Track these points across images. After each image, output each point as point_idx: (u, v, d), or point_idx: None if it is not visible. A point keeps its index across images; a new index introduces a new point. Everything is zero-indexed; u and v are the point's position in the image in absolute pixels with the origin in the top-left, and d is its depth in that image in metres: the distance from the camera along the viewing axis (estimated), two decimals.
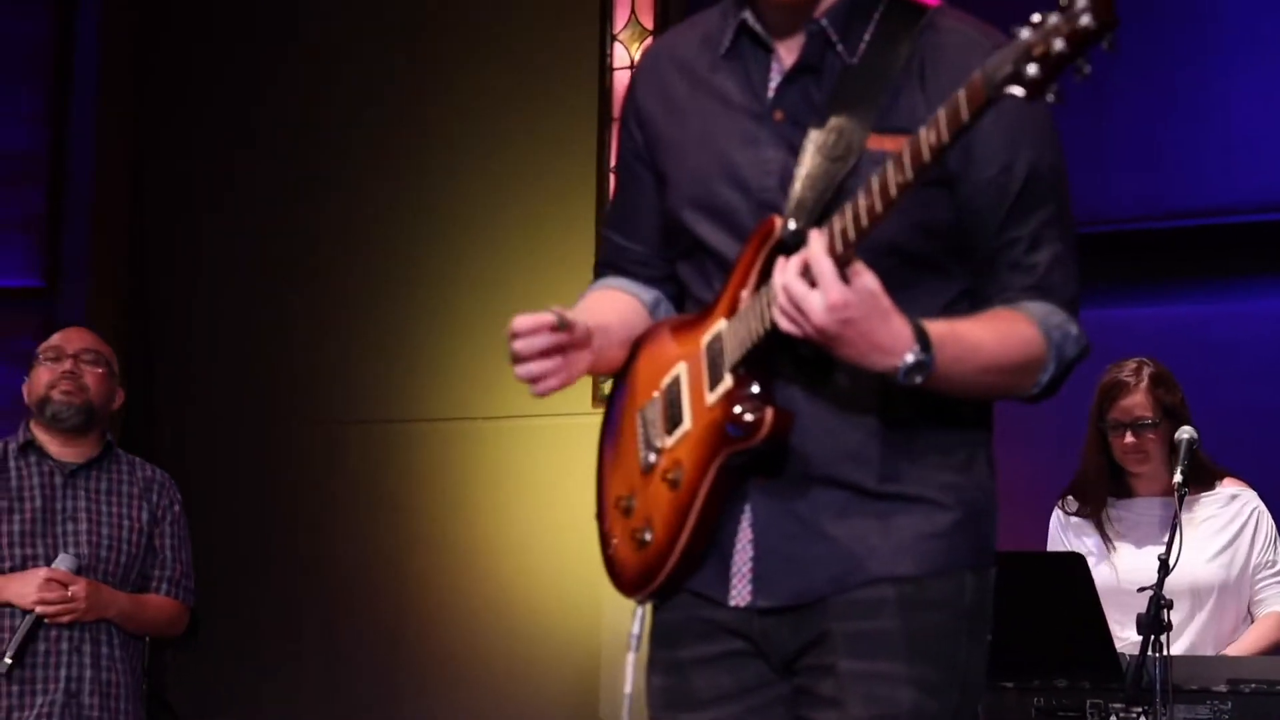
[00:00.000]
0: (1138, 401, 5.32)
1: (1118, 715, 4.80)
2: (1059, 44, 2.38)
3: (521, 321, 2.86)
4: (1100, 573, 5.28)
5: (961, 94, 2.47)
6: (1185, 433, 5.11)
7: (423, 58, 7.83)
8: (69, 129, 7.90)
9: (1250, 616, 5.36)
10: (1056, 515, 5.50)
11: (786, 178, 2.77)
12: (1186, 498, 5.31)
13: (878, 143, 2.71)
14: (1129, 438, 5.31)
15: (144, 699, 5.66)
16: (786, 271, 2.61)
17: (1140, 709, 4.77)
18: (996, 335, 2.70)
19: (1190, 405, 5.37)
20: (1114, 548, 5.35)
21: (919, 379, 2.61)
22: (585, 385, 7.49)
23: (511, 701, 7.41)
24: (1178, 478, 5.01)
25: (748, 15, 2.87)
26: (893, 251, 2.72)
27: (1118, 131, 6.20)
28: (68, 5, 7.98)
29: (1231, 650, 5.26)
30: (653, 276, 3.03)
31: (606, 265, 3.06)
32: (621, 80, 7.61)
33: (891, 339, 2.59)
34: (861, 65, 2.77)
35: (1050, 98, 2.42)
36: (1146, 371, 5.35)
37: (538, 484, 7.50)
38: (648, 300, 3.02)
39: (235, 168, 8.05)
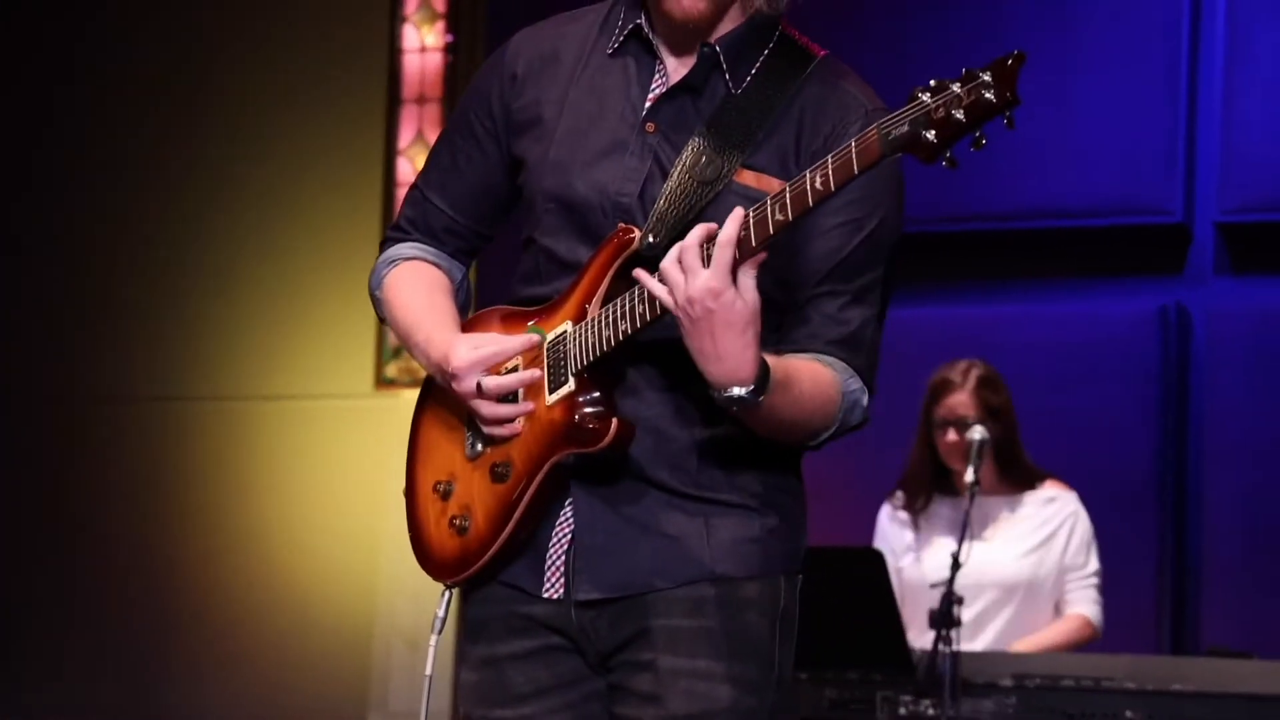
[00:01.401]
0: (961, 401, 5.43)
1: (907, 707, 4.90)
2: (958, 114, 2.43)
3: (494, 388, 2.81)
4: (917, 571, 5.41)
5: (853, 147, 2.51)
6: (976, 433, 5.25)
7: (211, 37, 7.74)
8: None
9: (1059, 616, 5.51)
10: (885, 510, 5.62)
11: (645, 189, 2.80)
12: (1007, 496, 5.49)
13: (743, 177, 2.75)
14: (951, 435, 5.42)
15: None
16: (691, 235, 2.61)
17: (929, 701, 4.87)
18: (809, 386, 2.74)
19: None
20: (927, 544, 5.47)
21: (735, 410, 2.65)
22: (366, 366, 7.46)
23: (284, 684, 7.36)
24: (969, 476, 5.14)
25: (642, 21, 2.88)
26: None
27: None
28: None
29: (1025, 643, 5.40)
30: (458, 249, 3.03)
31: (413, 225, 3.03)
32: (412, 63, 7.58)
33: (735, 360, 2.62)
34: (743, 97, 2.80)
35: (944, 164, 2.46)
36: (975, 373, 5.47)
37: (317, 465, 7.46)
38: (456, 280, 3.03)
39: (29, 146, 7.89)
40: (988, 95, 2.41)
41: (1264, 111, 6.27)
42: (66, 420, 7.74)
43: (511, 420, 2.80)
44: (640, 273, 2.68)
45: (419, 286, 2.98)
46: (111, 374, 7.73)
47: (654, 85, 2.86)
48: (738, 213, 2.60)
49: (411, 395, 7.89)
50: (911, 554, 5.47)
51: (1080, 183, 6.37)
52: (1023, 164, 6.31)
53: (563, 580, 2.82)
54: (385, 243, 3.06)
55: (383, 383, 7.46)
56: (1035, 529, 5.49)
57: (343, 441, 7.44)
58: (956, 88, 2.43)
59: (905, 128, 2.46)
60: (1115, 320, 6.38)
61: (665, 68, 2.87)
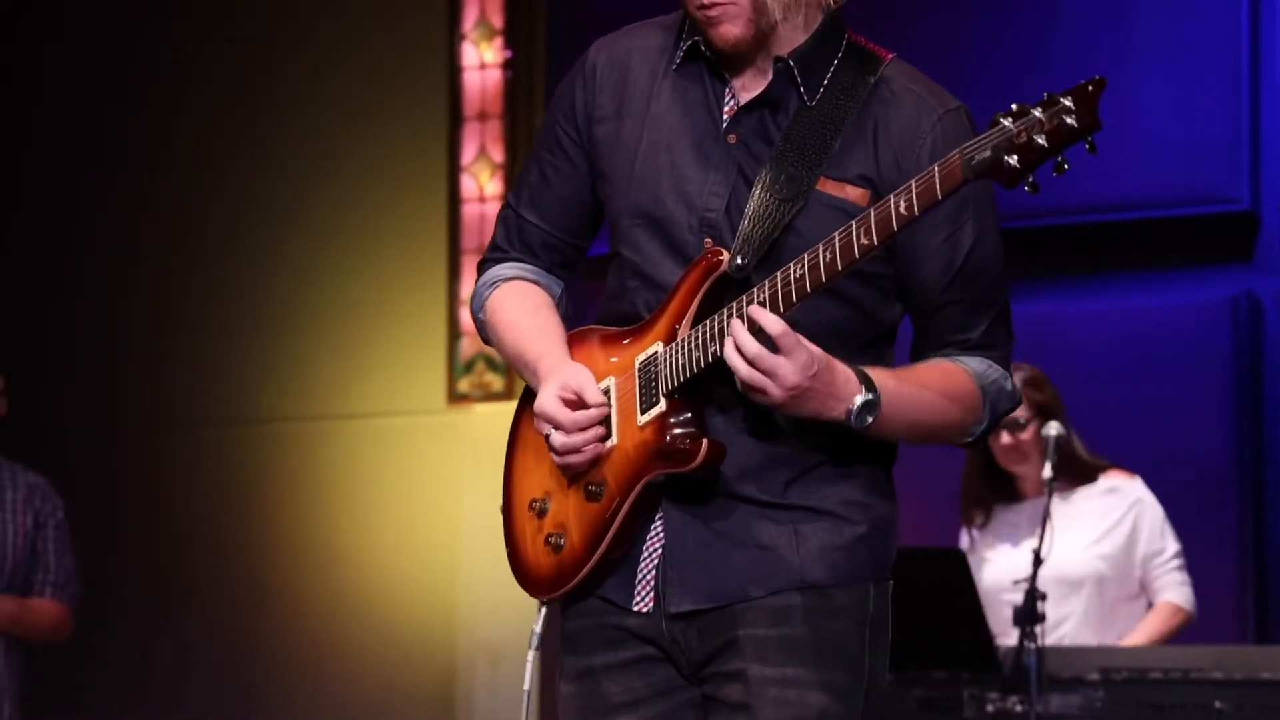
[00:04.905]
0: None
1: (994, 705, 4.91)
2: (1040, 139, 2.47)
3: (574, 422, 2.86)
4: (992, 574, 5.39)
5: (936, 172, 2.56)
6: (1052, 429, 5.23)
7: (273, 59, 7.79)
8: None
9: (1151, 605, 5.49)
10: (964, 536, 5.61)
11: (730, 203, 2.83)
12: (1068, 492, 5.46)
13: (826, 187, 2.79)
14: (1005, 438, 5.42)
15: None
16: (747, 348, 2.67)
17: (1015, 698, 4.88)
18: (934, 385, 2.80)
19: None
20: (990, 553, 5.47)
21: (870, 419, 2.71)
22: (438, 382, 7.50)
23: (369, 701, 7.40)
24: (1047, 472, 5.13)
25: (700, 40, 2.90)
26: (826, 291, 2.77)
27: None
28: None
29: (1127, 642, 5.36)
30: (555, 263, 3.04)
31: (509, 244, 3.05)
32: (472, 80, 7.63)
33: (843, 384, 2.70)
34: (818, 108, 2.83)
35: (1027, 189, 2.50)
36: (1019, 375, 5.43)
37: (393, 482, 7.50)
38: (557, 295, 3.05)
39: (88, 169, 7.96)
40: (1069, 121, 2.46)
41: None
42: (147, 447, 7.81)
43: (580, 450, 2.83)
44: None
45: (524, 307, 3.01)
46: (189, 400, 7.79)
47: (726, 99, 2.89)
48: (767, 316, 2.66)
49: (484, 409, 7.94)
50: (984, 561, 5.46)
51: (1146, 175, 6.36)
52: (1088, 158, 6.29)
53: (653, 593, 2.85)
54: (483, 264, 3.08)
55: (455, 398, 7.50)
56: (1098, 521, 5.47)
57: (417, 457, 7.47)
58: (1038, 113, 2.48)
59: (988, 153, 2.50)
60: (1186, 311, 6.37)
61: (732, 83, 2.89)
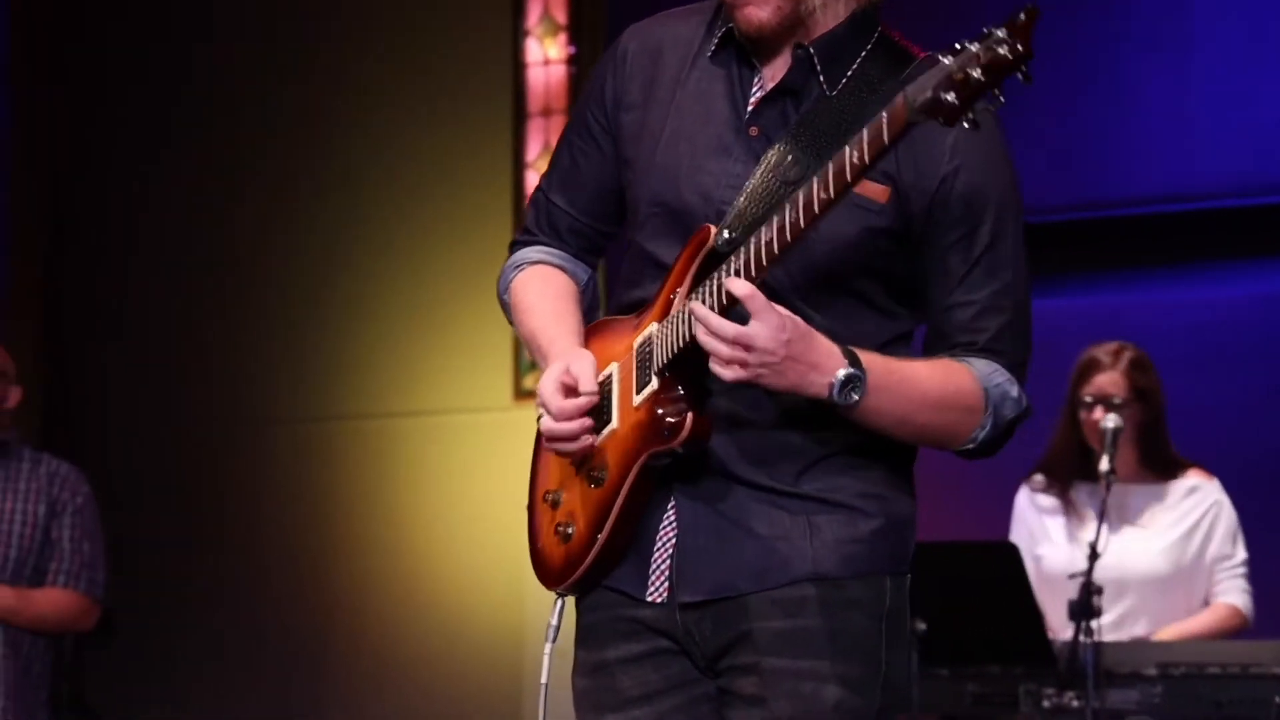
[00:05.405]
0: (1112, 379, 5.31)
1: (1050, 700, 4.87)
2: (976, 72, 2.45)
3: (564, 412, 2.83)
4: (1059, 557, 5.32)
5: (884, 116, 2.53)
6: (1110, 421, 5.17)
7: (337, 56, 7.82)
8: None
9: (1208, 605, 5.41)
10: (1023, 493, 5.50)
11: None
12: (1149, 485, 5.37)
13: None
14: (1098, 413, 5.28)
15: (53, 699, 5.63)
16: (714, 326, 2.64)
17: (1072, 693, 4.84)
18: (931, 377, 2.74)
19: None
20: (1072, 529, 5.39)
21: (854, 395, 2.66)
22: (504, 379, 7.51)
23: (437, 697, 7.42)
24: (1104, 465, 5.07)
25: (734, 25, 2.86)
26: (836, 286, 2.77)
27: (1034, 123, 6.26)
28: None
29: (1172, 630, 5.29)
30: (582, 248, 3.04)
31: (537, 228, 3.04)
32: (536, 76, 7.63)
33: (824, 355, 2.65)
34: (838, 98, 2.79)
35: (965, 124, 2.48)
36: (1126, 354, 5.36)
37: (459, 479, 7.51)
38: (583, 281, 3.04)
39: (154, 166, 8.02)
40: (1002, 52, 2.44)
41: None
42: (212, 444, 7.85)
43: (569, 439, 2.81)
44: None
45: (545, 293, 2.99)
46: (254, 397, 7.82)
47: (753, 89, 2.86)
48: (735, 281, 2.63)
49: None
50: (1049, 542, 5.39)
51: (1213, 164, 6.29)
52: (1155, 148, 6.25)
53: (666, 584, 2.82)
54: (512, 246, 3.07)
55: (521, 394, 7.49)
56: (1178, 520, 5.37)
57: (484, 454, 7.48)
58: (974, 47, 2.47)
59: (929, 93, 2.49)
60: (1254, 303, 6.30)
61: (762, 71, 2.86)
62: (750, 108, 2.85)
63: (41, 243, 8.03)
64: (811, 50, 2.82)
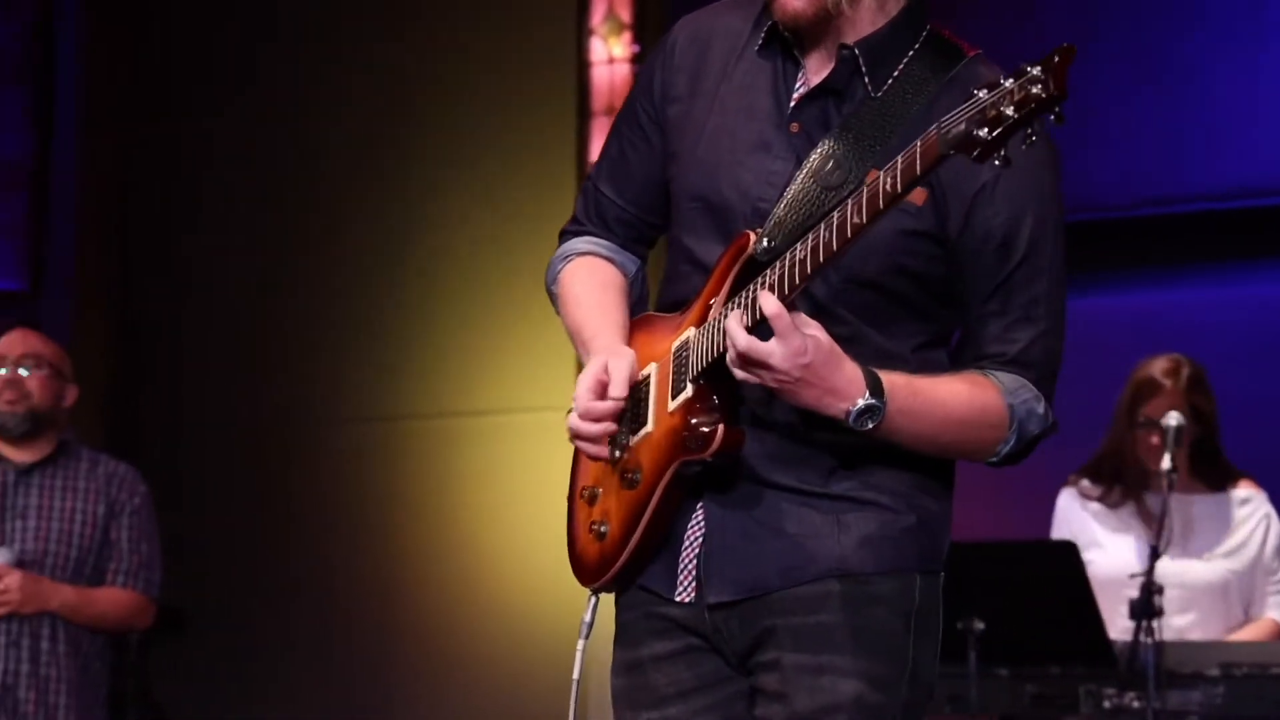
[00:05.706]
0: (1170, 404, 5.20)
1: (1111, 700, 4.83)
2: (1009, 110, 2.41)
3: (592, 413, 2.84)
4: (1107, 562, 5.25)
5: (917, 147, 2.50)
6: (1172, 419, 5.08)
7: (401, 57, 7.83)
8: (54, 133, 7.90)
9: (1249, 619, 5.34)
10: (1068, 496, 5.43)
11: (785, 193, 2.77)
12: (1200, 495, 5.29)
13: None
14: (1156, 439, 5.20)
15: (118, 696, 5.66)
16: (736, 336, 2.63)
17: (1133, 694, 4.79)
18: (956, 396, 2.73)
19: None
20: (1113, 540, 5.33)
21: (870, 424, 2.65)
22: (566, 378, 7.50)
23: (501, 695, 7.42)
24: (1165, 464, 5.00)
25: (778, 21, 2.85)
26: (870, 286, 2.76)
27: (1091, 119, 6.21)
28: (47, 8, 7.98)
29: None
30: (630, 238, 3.03)
31: (586, 218, 3.04)
32: (600, 75, 7.62)
33: (845, 382, 2.64)
34: (882, 100, 2.77)
35: (997, 161, 2.45)
36: (1185, 373, 5.27)
37: (521, 478, 7.51)
38: (631, 273, 3.03)
39: (219, 170, 8.06)
40: (1036, 90, 2.40)
41: None
42: (280, 444, 7.88)
43: (596, 442, 2.81)
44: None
45: (591, 285, 2.99)
46: (321, 397, 7.85)
47: (797, 85, 2.84)
48: (766, 297, 2.62)
49: None
50: (1096, 546, 5.32)
51: (1272, 160, 6.23)
52: (1215, 144, 6.19)
53: (694, 583, 2.82)
54: (562, 235, 3.08)
55: None
56: (1228, 532, 5.31)
57: (547, 454, 7.45)
58: (1008, 83, 2.43)
59: (961, 126, 2.45)
60: None
61: (806, 68, 2.85)
62: (792, 104, 2.83)
63: (111, 244, 8.08)
64: (856, 51, 2.79)
